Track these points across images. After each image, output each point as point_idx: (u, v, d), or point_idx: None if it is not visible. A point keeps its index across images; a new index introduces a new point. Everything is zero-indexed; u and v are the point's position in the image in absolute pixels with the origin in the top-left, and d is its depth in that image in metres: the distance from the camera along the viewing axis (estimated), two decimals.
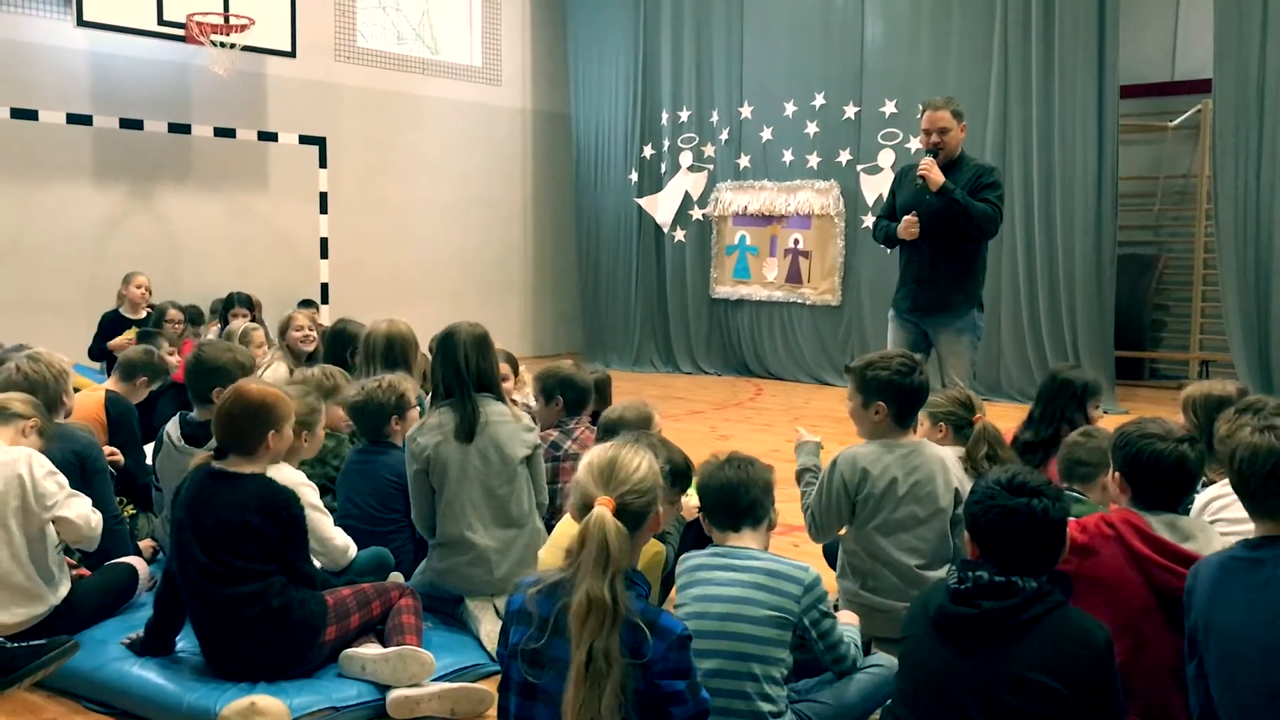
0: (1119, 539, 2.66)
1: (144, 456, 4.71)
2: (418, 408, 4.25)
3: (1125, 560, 2.64)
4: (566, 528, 3.27)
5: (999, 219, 5.44)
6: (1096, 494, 3.29)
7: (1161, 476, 2.71)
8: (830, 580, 3.15)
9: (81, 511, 3.46)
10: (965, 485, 3.28)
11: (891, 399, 3.36)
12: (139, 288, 8.01)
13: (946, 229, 5.37)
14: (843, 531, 3.44)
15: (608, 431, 3.78)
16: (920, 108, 5.64)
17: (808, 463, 3.59)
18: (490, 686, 3.19)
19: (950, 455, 3.44)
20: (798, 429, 3.83)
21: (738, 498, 2.75)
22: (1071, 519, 2.84)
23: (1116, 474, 2.79)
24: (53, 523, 3.41)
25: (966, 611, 2.33)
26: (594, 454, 2.36)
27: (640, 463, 2.32)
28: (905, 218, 5.48)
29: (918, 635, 2.45)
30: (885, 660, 2.86)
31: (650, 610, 2.26)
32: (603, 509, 2.22)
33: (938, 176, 5.28)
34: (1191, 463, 2.71)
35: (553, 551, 3.30)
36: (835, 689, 2.79)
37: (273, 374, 5.64)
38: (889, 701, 2.58)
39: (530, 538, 3.68)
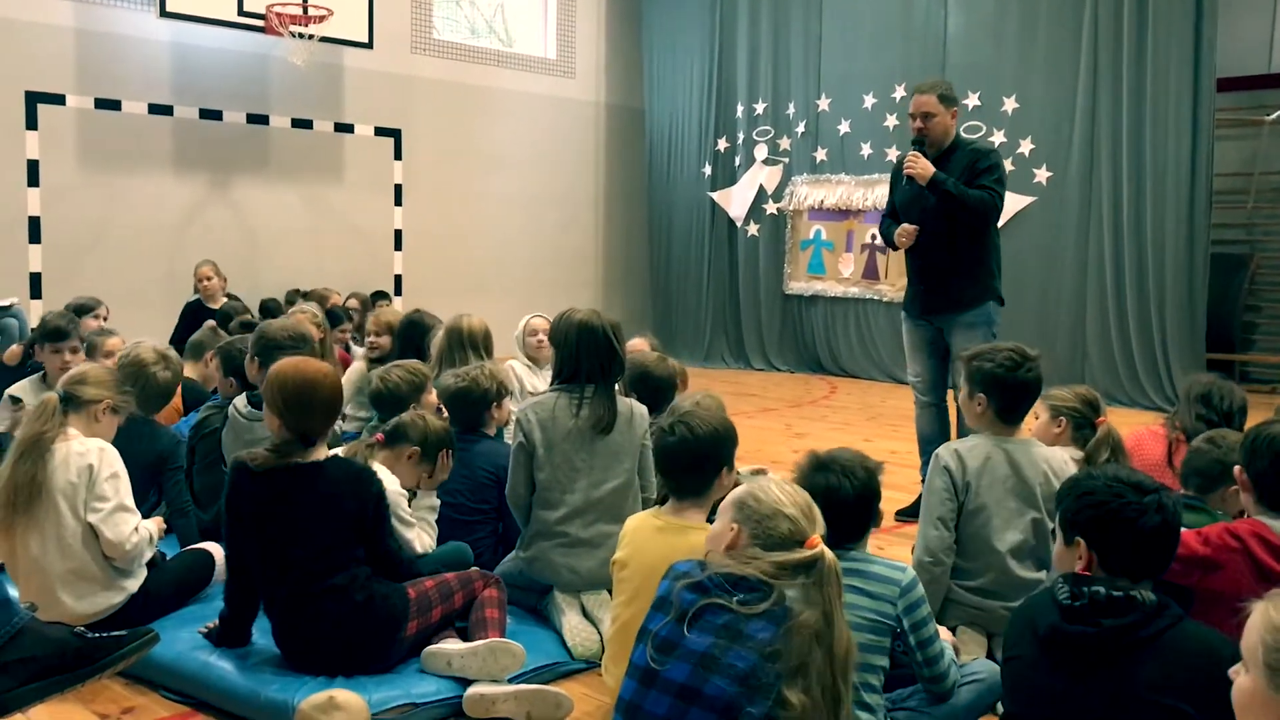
0: (1245, 552, 2.50)
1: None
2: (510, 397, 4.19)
3: (1252, 576, 2.48)
4: (638, 521, 3.06)
5: (998, 204, 5.00)
6: (1216, 504, 3.11)
7: None
8: None
9: (120, 532, 3.27)
10: None
11: (994, 393, 3.24)
12: (201, 279, 8.04)
13: (946, 224, 4.96)
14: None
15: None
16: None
17: None
18: (569, 688, 3.11)
19: (1063, 456, 3.27)
20: None
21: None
22: (1192, 529, 2.69)
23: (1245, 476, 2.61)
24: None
25: (1084, 630, 2.18)
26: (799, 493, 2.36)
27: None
28: (904, 226, 5.09)
29: (1025, 657, 2.29)
30: (986, 668, 2.71)
31: None
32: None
33: (925, 169, 4.90)
34: None
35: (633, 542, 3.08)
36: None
37: (353, 369, 5.60)
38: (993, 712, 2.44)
39: None
